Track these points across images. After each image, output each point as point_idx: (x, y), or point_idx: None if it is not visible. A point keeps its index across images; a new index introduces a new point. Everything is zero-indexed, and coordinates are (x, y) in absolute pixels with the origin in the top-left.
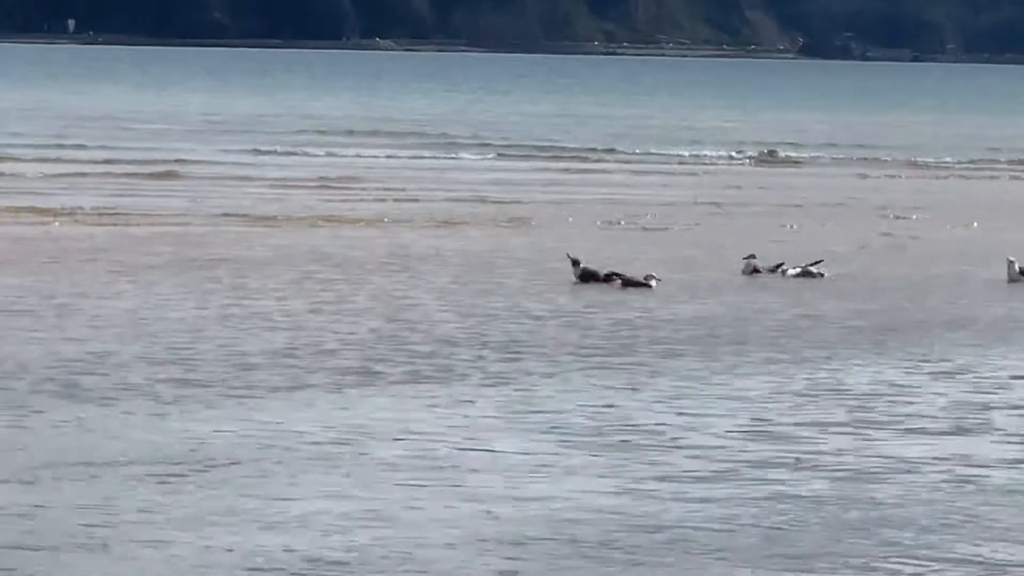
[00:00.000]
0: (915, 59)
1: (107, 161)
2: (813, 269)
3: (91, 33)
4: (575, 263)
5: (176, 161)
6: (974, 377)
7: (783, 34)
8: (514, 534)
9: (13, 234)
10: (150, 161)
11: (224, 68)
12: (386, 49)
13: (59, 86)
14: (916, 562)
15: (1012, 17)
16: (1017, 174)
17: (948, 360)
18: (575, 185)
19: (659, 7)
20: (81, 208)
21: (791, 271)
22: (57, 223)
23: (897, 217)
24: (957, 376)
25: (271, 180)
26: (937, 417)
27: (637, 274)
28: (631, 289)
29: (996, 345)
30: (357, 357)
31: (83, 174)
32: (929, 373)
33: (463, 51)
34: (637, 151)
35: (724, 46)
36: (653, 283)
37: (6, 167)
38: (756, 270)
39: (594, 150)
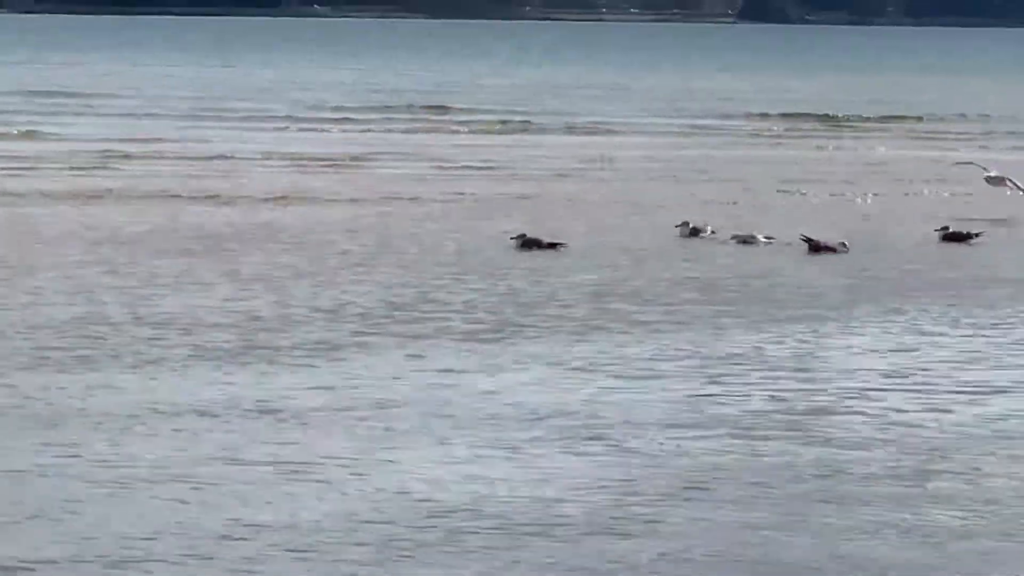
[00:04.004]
0: (853, 23)
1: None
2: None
3: (32, 1)
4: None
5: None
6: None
7: None
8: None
9: None
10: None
11: (177, 38)
12: (323, 16)
13: None
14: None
15: None
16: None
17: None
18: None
19: None
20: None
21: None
22: None
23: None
24: None
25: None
26: None
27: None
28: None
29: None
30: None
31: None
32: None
33: (401, 17)
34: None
35: (661, 12)
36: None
37: None
38: (696, 232)
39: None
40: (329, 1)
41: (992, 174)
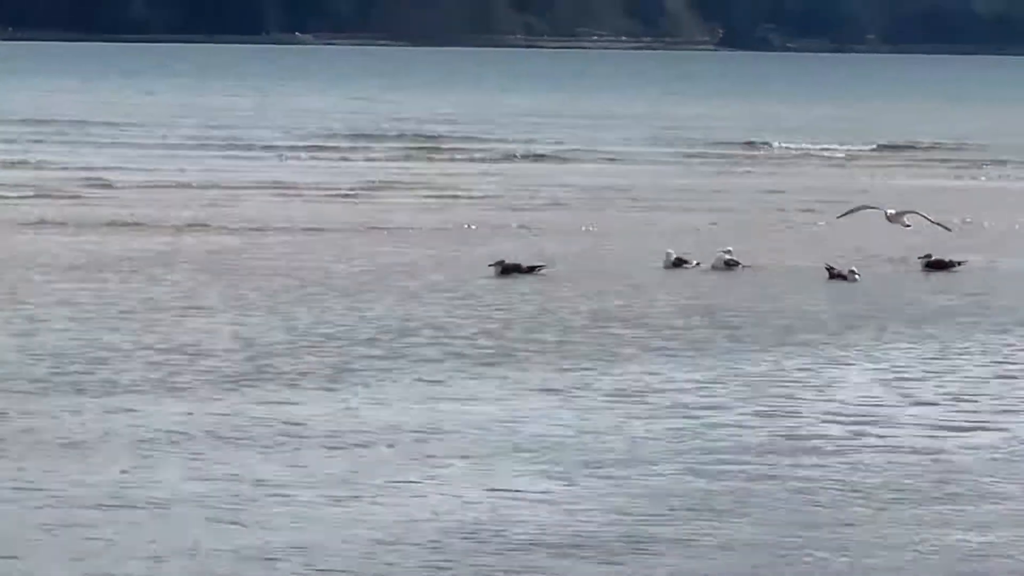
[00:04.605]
0: (835, 50)
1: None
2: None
3: (10, 29)
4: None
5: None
6: None
7: (704, 26)
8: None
9: None
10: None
11: (160, 65)
12: (306, 43)
13: None
14: None
15: (931, 7)
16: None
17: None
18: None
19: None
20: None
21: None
22: None
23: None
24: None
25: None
26: None
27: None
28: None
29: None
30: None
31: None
32: None
33: (384, 45)
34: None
35: (643, 38)
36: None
37: None
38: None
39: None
40: (312, 29)
41: (891, 211)
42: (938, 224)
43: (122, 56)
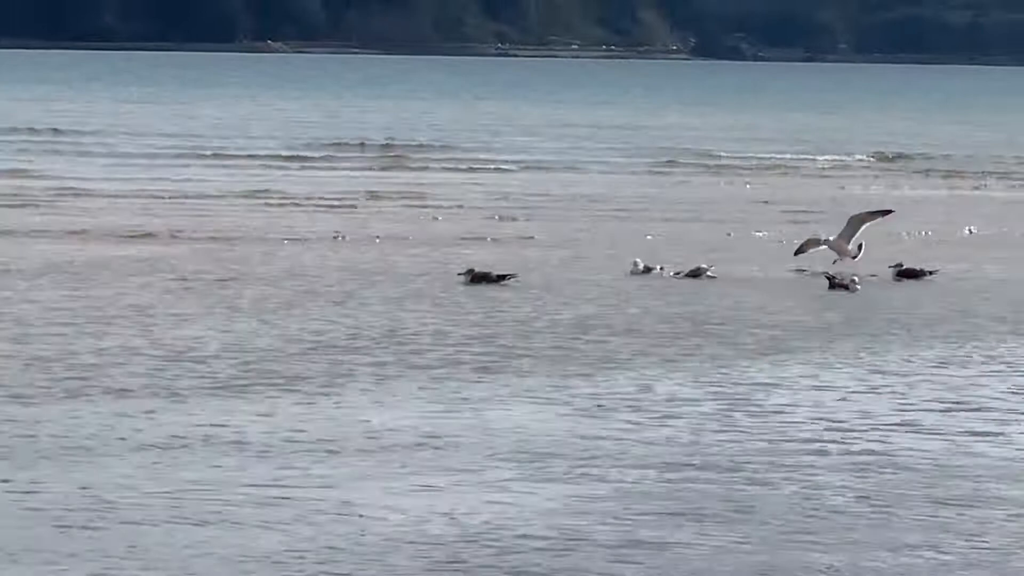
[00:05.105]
0: (807, 59)
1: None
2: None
3: None
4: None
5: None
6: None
7: (675, 35)
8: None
9: None
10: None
11: (130, 72)
12: (278, 51)
13: None
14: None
15: (903, 16)
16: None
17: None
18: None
19: (552, 8)
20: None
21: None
22: None
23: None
24: None
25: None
26: None
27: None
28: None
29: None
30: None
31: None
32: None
33: (356, 53)
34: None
35: (614, 47)
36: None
37: None
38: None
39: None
40: (284, 36)
41: (829, 239)
42: (879, 212)
43: (93, 64)
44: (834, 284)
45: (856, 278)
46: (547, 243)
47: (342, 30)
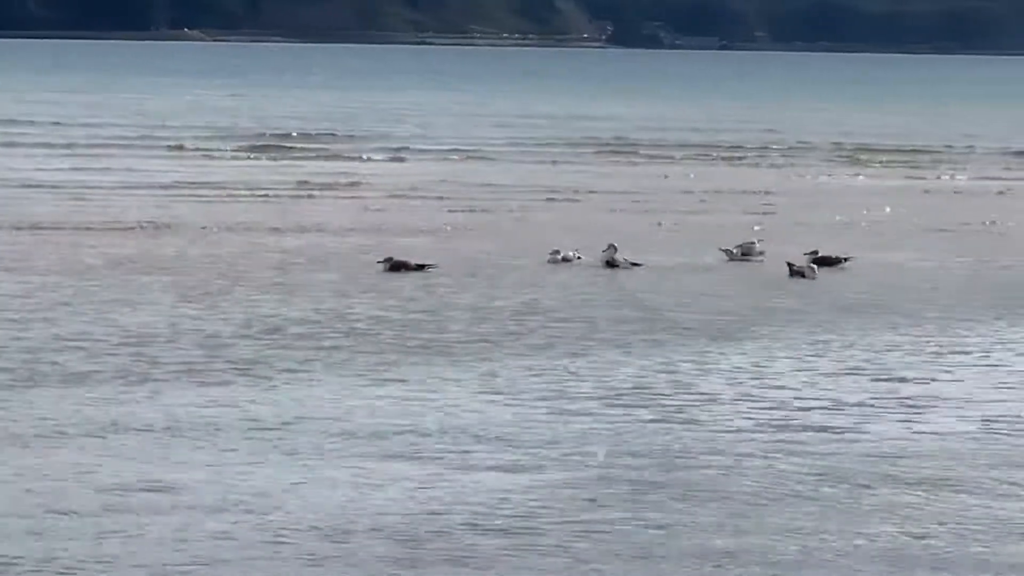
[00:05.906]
0: (723, 47)
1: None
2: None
3: None
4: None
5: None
6: None
7: (593, 23)
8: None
9: None
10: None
11: (43, 60)
12: (195, 40)
13: None
14: None
15: (818, 5)
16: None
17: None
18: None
19: None
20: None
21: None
22: None
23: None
24: None
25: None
26: None
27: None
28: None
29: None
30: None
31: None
32: None
33: (275, 42)
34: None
35: (531, 36)
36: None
37: None
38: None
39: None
40: (201, 24)
41: (749, 243)
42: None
43: (9, 53)
44: (794, 271)
45: (814, 266)
46: (467, 232)
47: (261, 19)
